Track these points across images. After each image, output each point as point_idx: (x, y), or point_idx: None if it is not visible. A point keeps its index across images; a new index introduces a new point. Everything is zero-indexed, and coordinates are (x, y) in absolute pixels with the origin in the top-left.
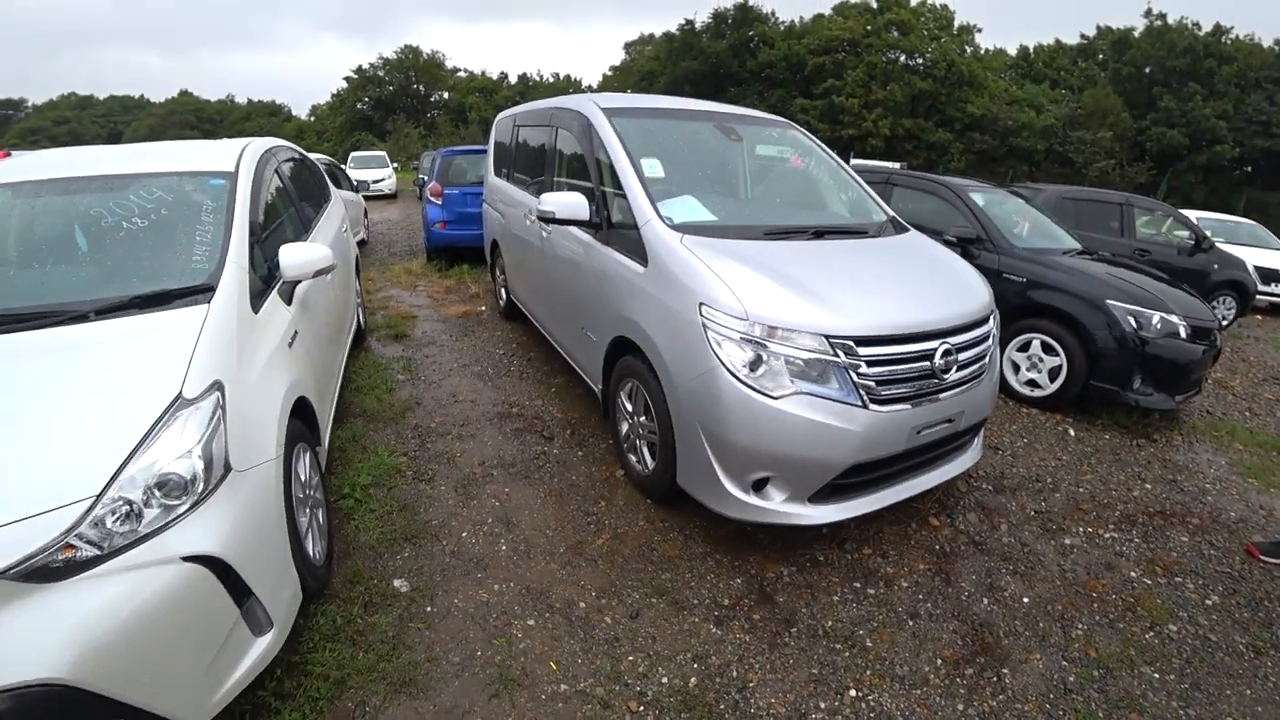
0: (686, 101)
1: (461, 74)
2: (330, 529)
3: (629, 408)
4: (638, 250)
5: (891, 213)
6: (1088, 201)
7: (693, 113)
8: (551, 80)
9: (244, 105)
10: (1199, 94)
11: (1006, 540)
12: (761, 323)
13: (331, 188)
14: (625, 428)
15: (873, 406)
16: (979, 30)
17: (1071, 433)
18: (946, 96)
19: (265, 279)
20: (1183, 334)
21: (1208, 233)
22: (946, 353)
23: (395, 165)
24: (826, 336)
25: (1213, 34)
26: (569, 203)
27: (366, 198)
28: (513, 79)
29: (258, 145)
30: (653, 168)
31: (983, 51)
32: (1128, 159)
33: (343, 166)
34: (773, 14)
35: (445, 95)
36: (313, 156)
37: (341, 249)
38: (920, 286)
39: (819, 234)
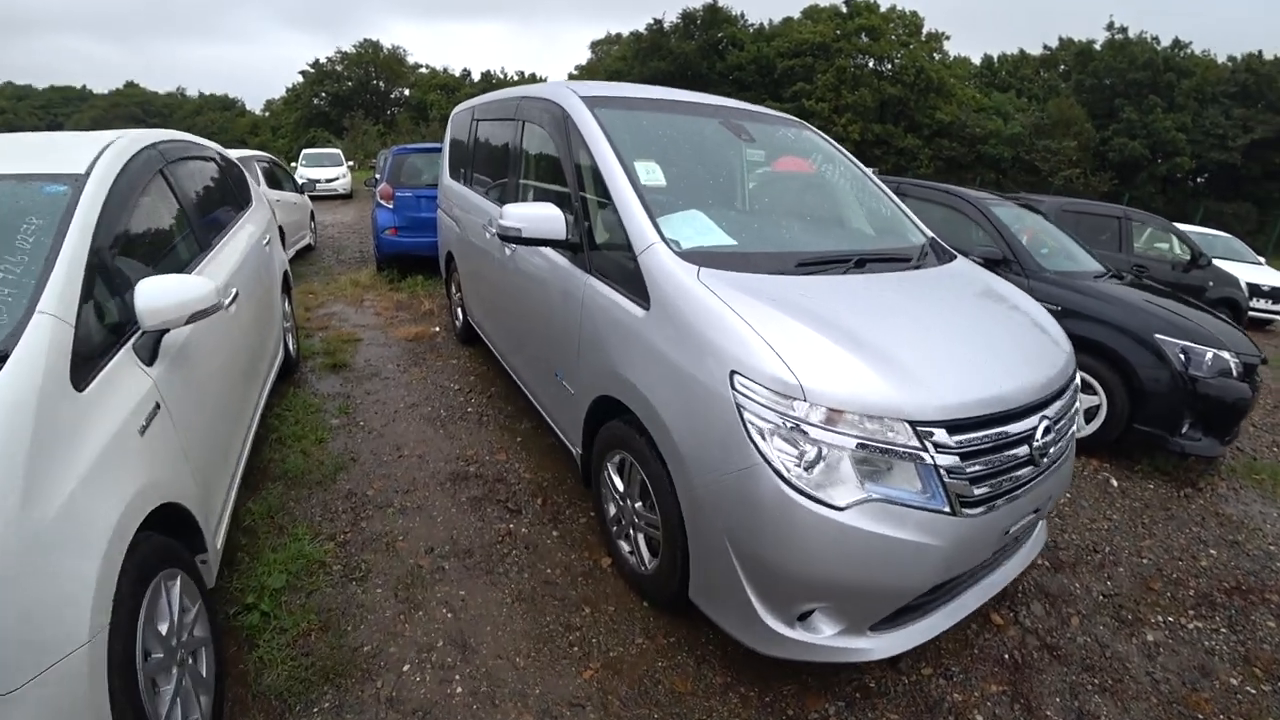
0: (681, 92)
1: (423, 71)
2: (221, 670)
3: (619, 486)
4: (634, 284)
5: (930, 233)
6: (1087, 215)
7: (693, 106)
8: (516, 78)
9: (195, 99)
10: (1159, 106)
11: (1082, 640)
12: (823, 404)
13: (257, 191)
14: (614, 509)
15: (963, 511)
16: (947, 38)
17: (1114, 483)
18: (915, 103)
19: (115, 329)
20: (1234, 372)
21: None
22: (1047, 429)
23: (351, 164)
24: (911, 422)
25: (1172, 48)
26: (539, 216)
27: (320, 198)
28: (476, 77)
29: (132, 139)
30: (650, 174)
31: (950, 59)
32: (1091, 168)
33: (293, 164)
34: (742, 16)
35: (406, 92)
36: (240, 153)
37: (260, 268)
38: (1003, 340)
39: (860, 263)
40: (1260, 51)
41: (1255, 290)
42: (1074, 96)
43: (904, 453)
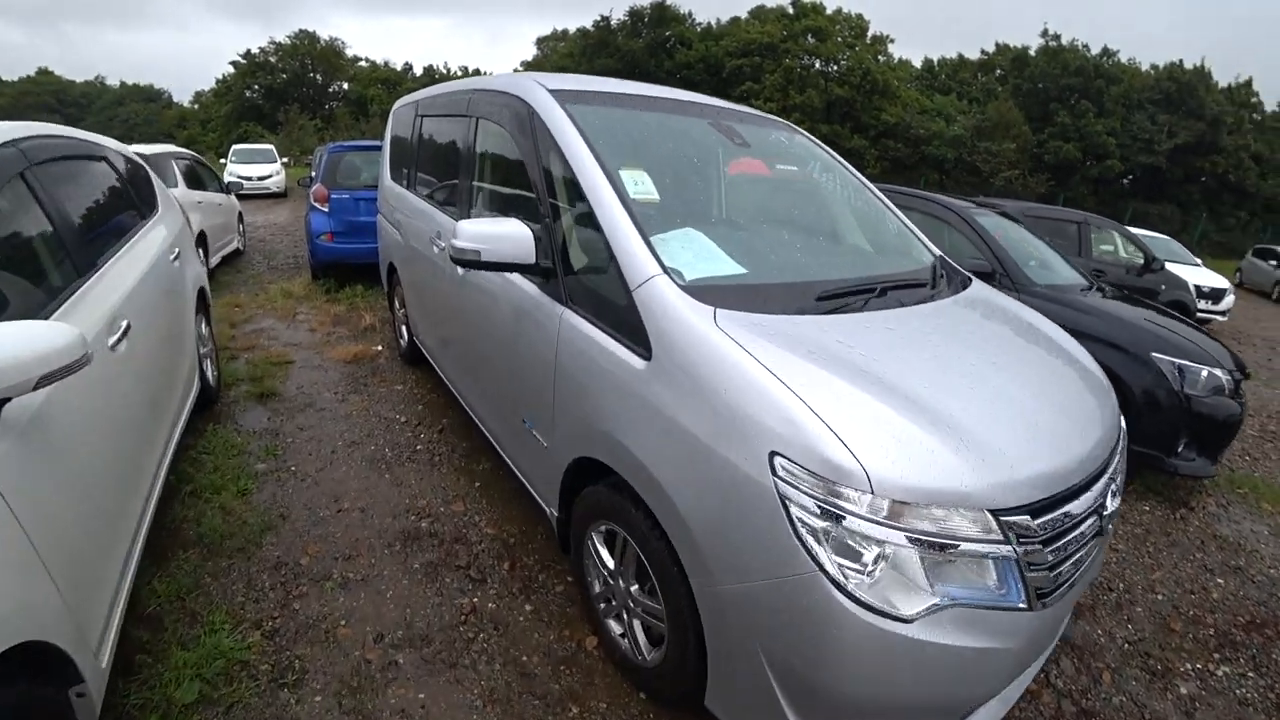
0: (660, 88)
1: (363, 64)
2: None
3: (607, 561)
4: (629, 327)
5: (937, 250)
6: (1048, 220)
7: (678, 104)
8: (459, 73)
9: (116, 88)
10: (1090, 111)
11: (1118, 700)
12: (893, 494)
13: (166, 195)
14: (600, 586)
15: (1039, 604)
16: (891, 41)
17: None
18: (861, 104)
19: None
20: (1227, 389)
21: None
22: (1113, 493)
23: (286, 160)
24: (994, 510)
25: (1101, 56)
26: (501, 235)
27: (251, 197)
28: (418, 71)
29: None
30: (639, 185)
31: (894, 62)
32: (1029, 170)
33: (223, 161)
34: (690, 15)
35: (345, 86)
36: (153, 149)
37: (166, 288)
38: (1061, 392)
39: (881, 292)
40: (1181, 61)
41: (1197, 292)
42: (1011, 100)
43: (983, 546)
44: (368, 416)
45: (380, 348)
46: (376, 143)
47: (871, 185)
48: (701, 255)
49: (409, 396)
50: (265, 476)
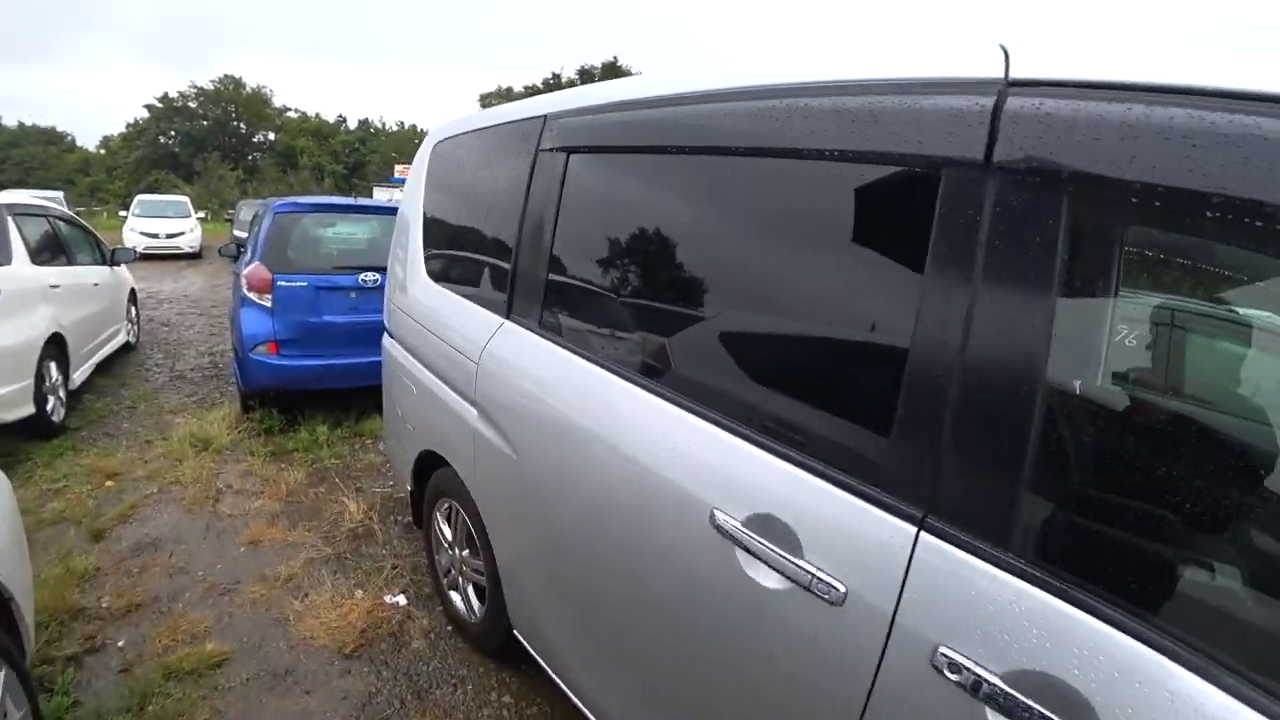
0: None
1: (291, 114)
2: None
3: None
4: None
5: None
6: None
7: None
8: (396, 129)
9: (14, 129)
10: None
11: None
12: None
13: None
14: None
15: None
16: None
17: None
18: None
19: None
20: None
21: None
22: None
23: (202, 215)
24: None
25: None
26: None
27: (156, 257)
28: (352, 124)
29: None
30: None
31: None
32: None
33: (124, 214)
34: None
35: (271, 136)
36: None
37: None
38: None
39: None
40: None
41: None
42: None
43: None
44: None
45: (402, 600)
46: (350, 200)
47: None
48: None
49: None
50: None
